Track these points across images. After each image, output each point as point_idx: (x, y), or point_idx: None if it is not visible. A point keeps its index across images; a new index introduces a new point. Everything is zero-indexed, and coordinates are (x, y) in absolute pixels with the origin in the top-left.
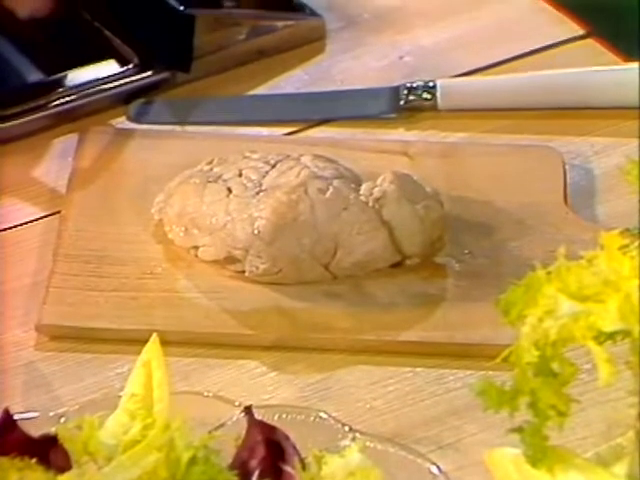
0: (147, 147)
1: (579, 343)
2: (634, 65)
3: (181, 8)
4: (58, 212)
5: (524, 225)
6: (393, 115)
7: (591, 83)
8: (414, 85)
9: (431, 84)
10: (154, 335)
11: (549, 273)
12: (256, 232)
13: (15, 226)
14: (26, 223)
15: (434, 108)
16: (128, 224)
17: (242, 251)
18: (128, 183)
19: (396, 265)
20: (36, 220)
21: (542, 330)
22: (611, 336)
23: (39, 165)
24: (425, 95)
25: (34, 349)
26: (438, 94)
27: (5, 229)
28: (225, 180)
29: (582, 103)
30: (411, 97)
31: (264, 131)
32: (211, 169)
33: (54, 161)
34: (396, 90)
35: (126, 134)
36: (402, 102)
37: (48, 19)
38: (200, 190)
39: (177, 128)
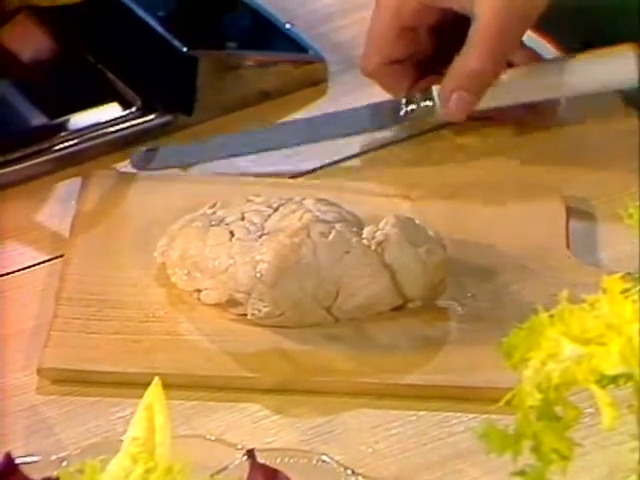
0: (150, 190)
1: (582, 386)
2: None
3: (184, 49)
4: (61, 256)
5: (526, 268)
6: (395, 129)
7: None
8: (414, 97)
9: (428, 91)
10: (156, 378)
11: (551, 316)
12: (258, 275)
13: (18, 270)
14: (29, 267)
15: (433, 114)
16: (130, 267)
17: (244, 294)
18: (131, 226)
19: (398, 308)
20: (39, 264)
21: (545, 373)
22: (614, 379)
23: (42, 209)
24: (424, 103)
25: (36, 392)
26: (436, 99)
27: (8, 273)
28: (228, 224)
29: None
30: (411, 106)
31: (268, 173)
32: (214, 212)
33: (57, 205)
34: (396, 103)
35: (129, 178)
36: (402, 112)
37: (51, 61)
38: (203, 233)
39: (180, 172)
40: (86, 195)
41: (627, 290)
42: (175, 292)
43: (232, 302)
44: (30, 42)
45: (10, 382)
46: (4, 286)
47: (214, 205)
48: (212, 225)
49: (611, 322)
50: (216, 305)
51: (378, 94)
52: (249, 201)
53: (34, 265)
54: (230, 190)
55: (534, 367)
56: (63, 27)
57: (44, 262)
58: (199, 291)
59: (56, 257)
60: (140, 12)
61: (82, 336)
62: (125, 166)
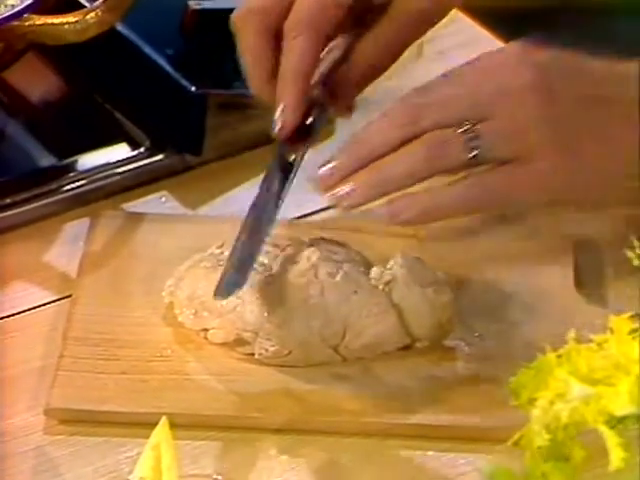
0: (157, 231)
1: (590, 427)
2: None
3: (193, 88)
4: (69, 296)
5: (534, 308)
6: None
7: None
8: None
9: None
10: (163, 418)
11: (559, 356)
12: (265, 315)
13: (25, 310)
14: (36, 307)
15: None
16: (137, 307)
17: (252, 333)
18: (138, 266)
19: (405, 348)
20: (46, 304)
21: (553, 413)
22: (622, 420)
23: (50, 250)
24: None
25: (43, 433)
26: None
27: (16, 313)
28: None
29: None
30: None
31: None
32: (221, 252)
33: (65, 246)
34: None
35: (137, 218)
36: None
37: (59, 101)
38: (210, 273)
39: (187, 212)
40: (94, 235)
41: (635, 330)
42: (182, 331)
43: (239, 341)
44: (38, 82)
45: (17, 422)
46: (12, 326)
47: (221, 245)
48: (220, 265)
49: (619, 362)
50: (223, 344)
51: None
52: None
53: (42, 305)
54: (237, 230)
55: (542, 407)
56: (71, 66)
57: (52, 302)
58: (206, 330)
59: (64, 297)
60: (148, 50)
61: (89, 376)
62: (134, 206)
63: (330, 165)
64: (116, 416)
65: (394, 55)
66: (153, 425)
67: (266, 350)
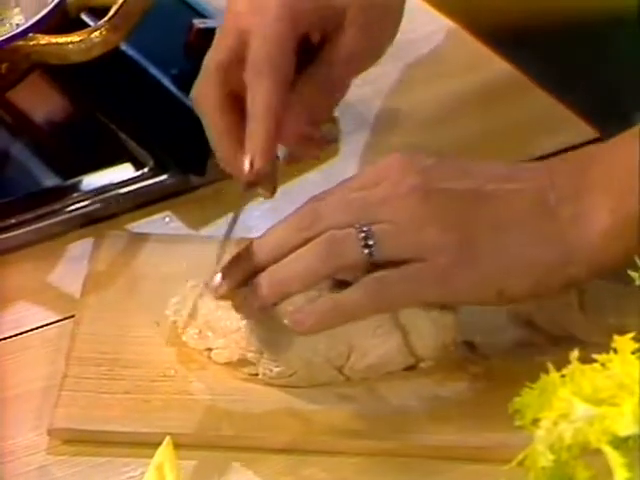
0: (161, 251)
1: (594, 447)
2: None
3: None
4: (72, 316)
5: (537, 327)
6: None
7: None
8: None
9: None
10: (167, 438)
11: (563, 376)
12: (270, 335)
13: (29, 330)
14: (40, 327)
15: None
16: (141, 327)
17: (256, 354)
18: (142, 287)
19: (410, 368)
20: (50, 324)
21: (557, 434)
22: (626, 440)
23: (54, 270)
24: None
25: (46, 453)
26: None
27: (19, 334)
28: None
29: None
30: None
31: None
32: None
33: (69, 266)
34: None
35: (141, 238)
36: None
37: (63, 121)
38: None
39: (191, 232)
40: (98, 255)
41: (638, 350)
42: (186, 351)
43: (243, 362)
44: (42, 102)
45: (21, 442)
46: (15, 346)
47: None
48: None
49: (623, 382)
50: (227, 364)
51: (390, 152)
52: None
53: (45, 325)
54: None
55: (546, 427)
56: (75, 86)
57: (55, 322)
58: (210, 350)
59: (67, 318)
60: (153, 70)
61: (93, 395)
62: (138, 226)
63: (219, 275)
64: (120, 436)
65: (328, 96)
66: (157, 445)
67: (270, 370)
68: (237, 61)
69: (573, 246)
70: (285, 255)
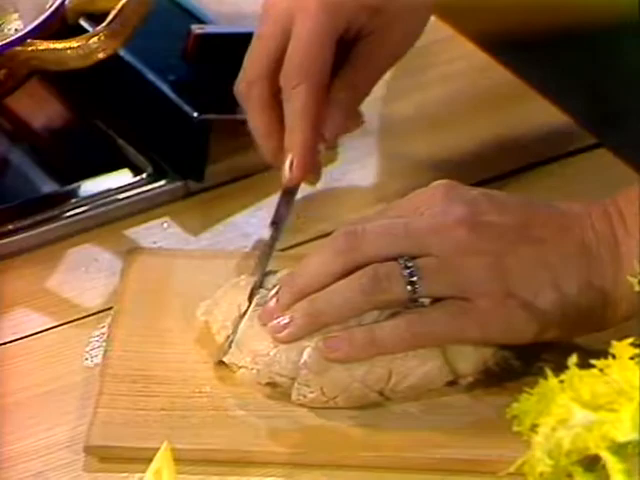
0: (193, 267)
1: (593, 453)
2: None
3: (195, 114)
4: (72, 321)
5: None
6: None
7: None
8: None
9: None
10: (165, 443)
11: (562, 382)
12: (303, 362)
13: (28, 336)
14: (39, 333)
15: None
16: (175, 344)
17: (287, 379)
18: (175, 303)
19: (450, 384)
20: (49, 330)
21: (556, 439)
22: (625, 446)
23: (53, 275)
24: None
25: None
26: None
27: (18, 339)
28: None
29: None
30: None
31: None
32: (255, 287)
33: (68, 271)
34: None
35: (172, 254)
36: None
37: (61, 128)
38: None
39: (190, 238)
40: (129, 272)
41: (637, 356)
42: (220, 367)
43: (273, 384)
44: (41, 108)
45: (19, 449)
46: (14, 352)
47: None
48: (257, 306)
49: (622, 388)
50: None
51: (387, 160)
52: None
53: (44, 331)
54: (273, 266)
55: (544, 433)
56: (74, 93)
57: (54, 328)
58: (237, 366)
59: (66, 323)
60: (151, 77)
61: (129, 413)
62: (136, 232)
63: (272, 303)
64: (157, 453)
65: (366, 90)
66: (192, 461)
67: (304, 396)
68: (280, 57)
69: (611, 288)
70: (325, 283)
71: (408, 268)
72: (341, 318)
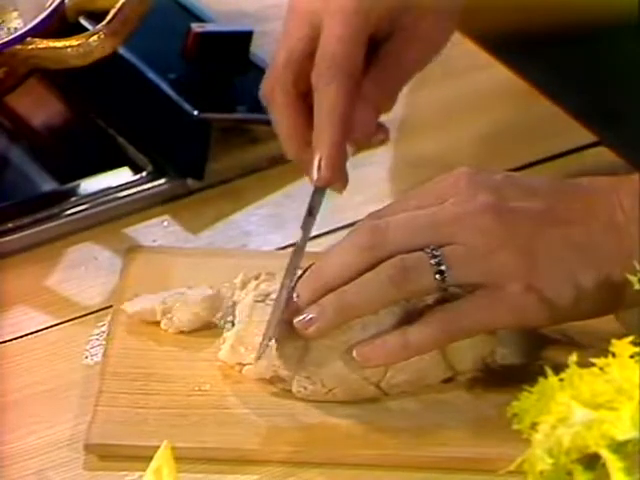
0: (194, 265)
1: (593, 451)
2: None
3: (195, 113)
4: (71, 320)
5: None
6: None
7: None
8: None
9: None
10: (165, 442)
11: (562, 380)
12: (304, 354)
13: (28, 334)
14: (39, 331)
15: None
16: (175, 341)
17: (289, 372)
18: None
19: (447, 380)
20: (48, 328)
21: (556, 438)
22: (625, 445)
23: (52, 274)
24: None
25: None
26: None
27: (18, 337)
28: (273, 300)
29: None
30: None
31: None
32: (257, 285)
33: (67, 270)
34: None
35: (172, 252)
36: None
37: (61, 126)
38: (252, 310)
39: (190, 236)
40: (129, 270)
41: (637, 354)
42: (220, 365)
43: (276, 378)
44: (41, 106)
45: (19, 447)
46: (14, 350)
47: (258, 277)
48: (257, 301)
49: (622, 387)
50: (259, 380)
51: (386, 161)
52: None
53: (44, 329)
54: (273, 264)
55: (544, 431)
56: (74, 91)
57: (53, 326)
58: (241, 365)
59: (65, 321)
60: (150, 75)
61: (129, 411)
62: (136, 230)
63: (296, 297)
64: (157, 451)
65: (397, 90)
66: (192, 460)
67: (305, 388)
68: (308, 56)
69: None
70: (350, 277)
71: (435, 257)
72: (371, 311)
